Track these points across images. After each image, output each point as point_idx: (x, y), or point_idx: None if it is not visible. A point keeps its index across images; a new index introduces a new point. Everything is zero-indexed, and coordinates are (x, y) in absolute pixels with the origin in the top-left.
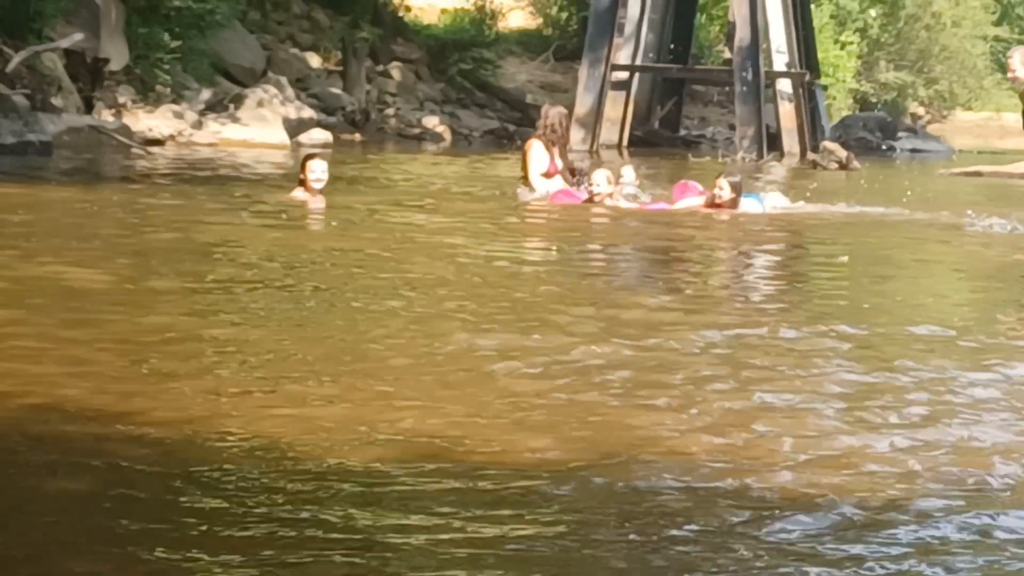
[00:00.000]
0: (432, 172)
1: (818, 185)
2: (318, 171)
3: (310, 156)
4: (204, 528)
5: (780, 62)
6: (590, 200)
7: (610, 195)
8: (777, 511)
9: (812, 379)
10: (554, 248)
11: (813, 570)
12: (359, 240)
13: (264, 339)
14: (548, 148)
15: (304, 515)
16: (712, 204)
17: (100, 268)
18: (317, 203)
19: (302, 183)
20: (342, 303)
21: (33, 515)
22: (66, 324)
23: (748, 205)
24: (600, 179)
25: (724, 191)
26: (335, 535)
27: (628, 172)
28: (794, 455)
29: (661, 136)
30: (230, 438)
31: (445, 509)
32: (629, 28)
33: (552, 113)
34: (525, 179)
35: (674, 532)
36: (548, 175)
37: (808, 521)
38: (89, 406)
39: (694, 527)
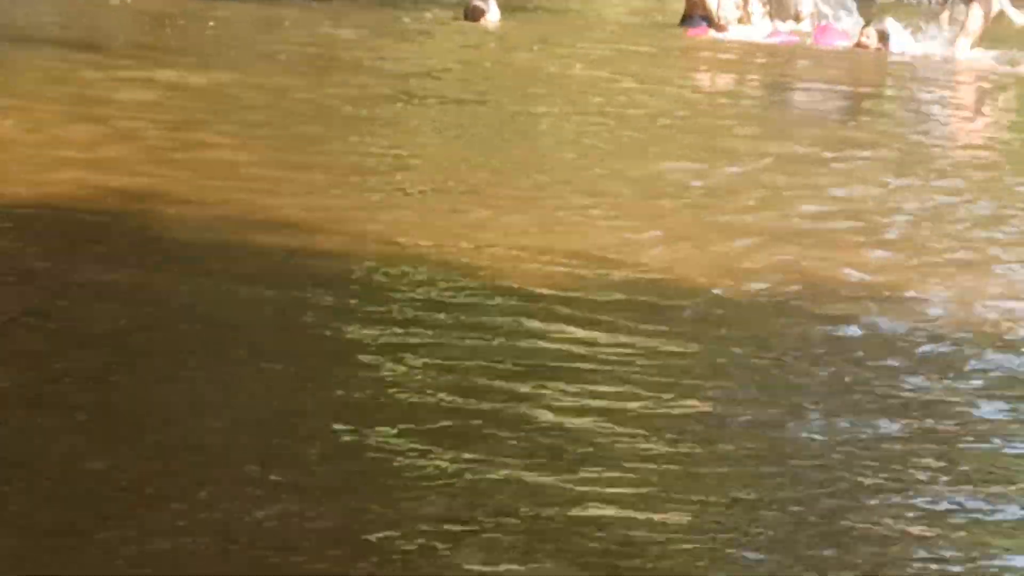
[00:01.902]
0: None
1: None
2: (494, 12)
3: (477, 7)
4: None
5: None
6: (716, 27)
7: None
8: None
9: None
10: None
11: None
12: (537, 67)
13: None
14: None
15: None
16: (860, 46)
17: (279, 78)
18: (497, 26)
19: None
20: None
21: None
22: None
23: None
24: (727, 5)
25: (871, 39)
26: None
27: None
28: None
29: None
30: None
31: None
32: None
33: None
34: (695, 4)
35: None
36: None
37: None
38: (284, 219)
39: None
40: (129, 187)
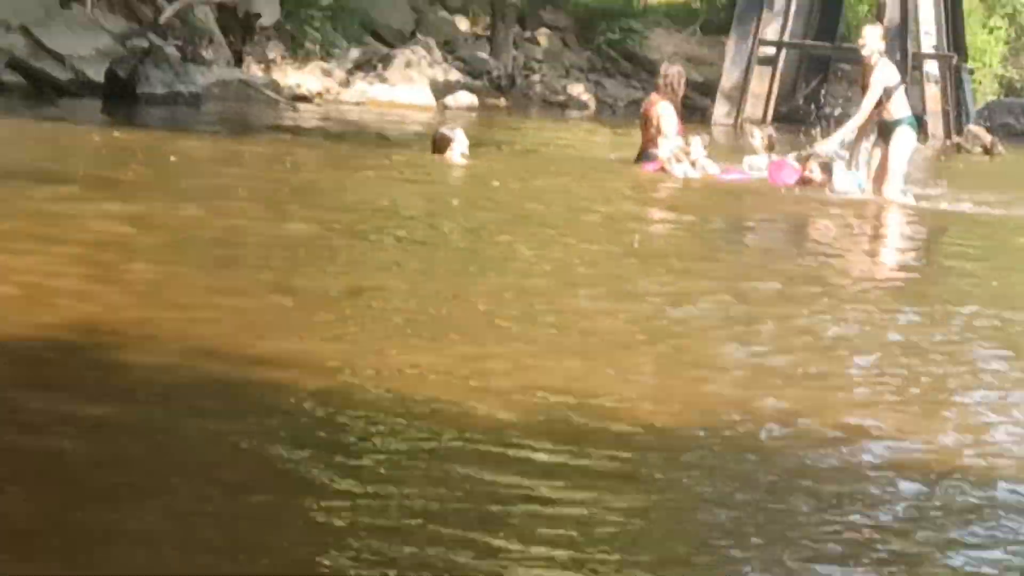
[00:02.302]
0: (576, 138)
1: (963, 167)
2: (461, 142)
3: (444, 135)
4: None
5: (928, 44)
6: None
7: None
8: None
9: None
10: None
11: None
12: (503, 202)
13: (418, 292)
14: (675, 108)
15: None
16: (805, 182)
17: (244, 216)
18: (460, 163)
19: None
20: (484, 259)
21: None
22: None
23: (846, 184)
24: (696, 145)
25: (815, 173)
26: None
27: (696, 143)
28: None
29: (804, 113)
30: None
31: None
32: (778, 4)
33: (672, 71)
34: (649, 141)
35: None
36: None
37: None
38: (238, 351)
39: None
40: (87, 318)
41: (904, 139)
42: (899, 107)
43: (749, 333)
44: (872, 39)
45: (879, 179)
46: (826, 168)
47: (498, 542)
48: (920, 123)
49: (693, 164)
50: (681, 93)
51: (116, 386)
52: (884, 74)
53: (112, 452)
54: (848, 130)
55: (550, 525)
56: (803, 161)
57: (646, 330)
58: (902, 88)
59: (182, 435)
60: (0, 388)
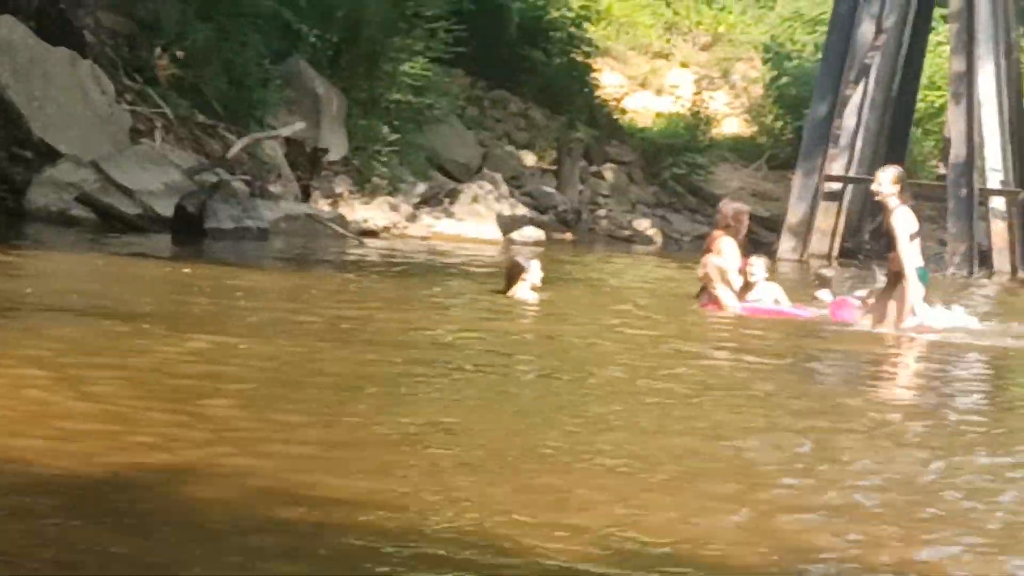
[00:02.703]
0: (643, 273)
1: None
2: (535, 273)
3: (518, 264)
4: None
5: (994, 179)
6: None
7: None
8: None
9: None
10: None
11: None
12: (572, 340)
13: (485, 427)
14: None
15: None
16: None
17: (310, 350)
18: (531, 298)
19: (511, 278)
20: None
21: None
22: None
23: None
24: (758, 267)
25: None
26: None
27: (758, 264)
28: None
29: (870, 248)
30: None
31: None
32: (844, 139)
33: (728, 209)
34: (719, 279)
35: None
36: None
37: None
38: (300, 491)
39: None
40: (154, 458)
41: (914, 289)
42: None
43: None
44: (886, 183)
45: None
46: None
47: None
48: (986, 257)
49: (749, 286)
50: (743, 230)
51: (173, 523)
52: (906, 219)
53: None
54: (915, 295)
55: None
56: (866, 299)
57: (730, 466)
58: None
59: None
60: (44, 518)
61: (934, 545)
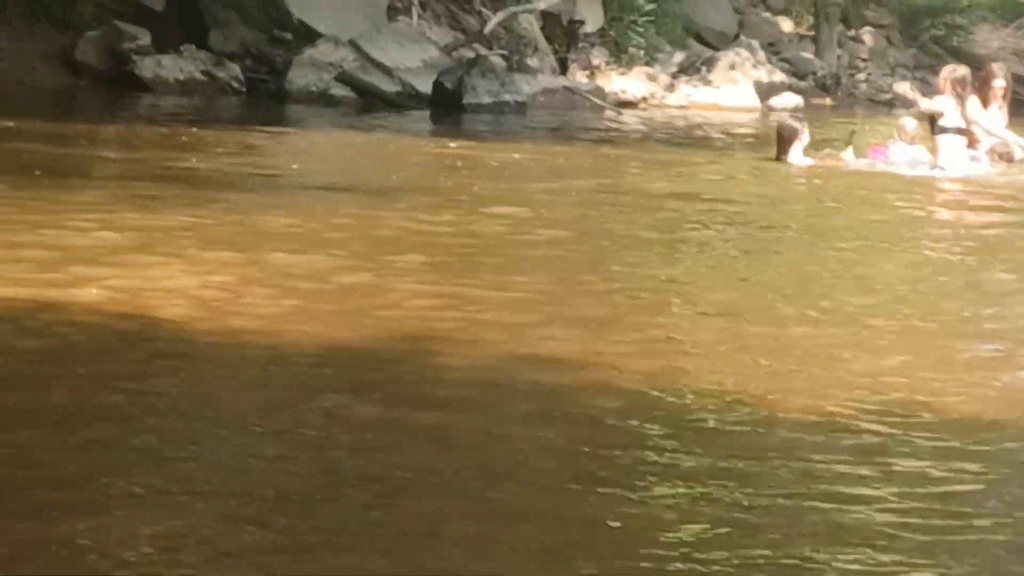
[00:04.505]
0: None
1: None
2: (806, 136)
3: (791, 126)
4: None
5: None
6: None
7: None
8: None
9: None
10: None
11: None
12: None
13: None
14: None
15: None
16: None
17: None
18: (807, 162)
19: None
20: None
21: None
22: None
23: None
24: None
25: None
26: None
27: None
28: None
29: None
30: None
31: None
32: None
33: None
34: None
35: None
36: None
37: None
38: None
39: None
40: (409, 331)
41: None
42: None
43: None
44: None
45: None
46: None
47: None
48: None
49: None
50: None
51: (437, 394)
52: None
53: (441, 457)
54: None
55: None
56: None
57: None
58: None
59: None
60: (317, 392)
61: None
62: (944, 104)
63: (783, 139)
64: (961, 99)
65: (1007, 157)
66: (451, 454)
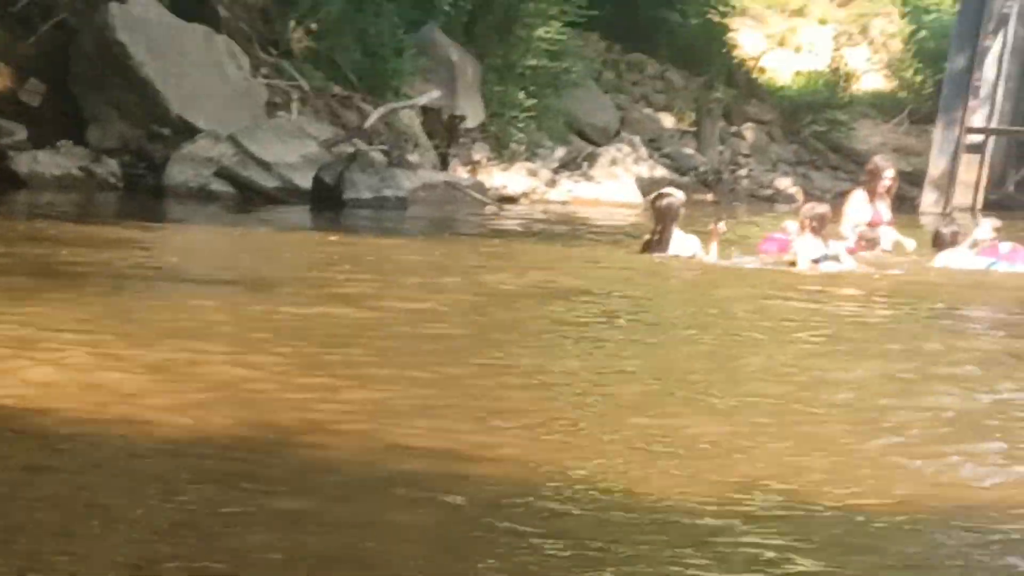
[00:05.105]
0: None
1: None
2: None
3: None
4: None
5: None
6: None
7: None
8: None
9: None
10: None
11: None
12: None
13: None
14: (871, 199)
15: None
16: None
17: (453, 316)
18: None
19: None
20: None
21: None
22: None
23: None
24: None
25: None
26: None
27: (985, 225)
28: None
29: (1016, 200)
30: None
31: None
32: (984, 91)
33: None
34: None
35: None
36: (871, 224)
37: None
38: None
39: None
40: (281, 421)
41: None
42: None
43: None
44: None
45: None
46: None
47: None
48: None
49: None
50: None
51: (313, 481)
52: None
53: (309, 546)
54: None
55: None
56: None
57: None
58: None
59: (374, 529)
60: (203, 483)
61: None
62: (801, 245)
63: (660, 215)
64: (818, 236)
65: (872, 244)
66: (307, 540)
